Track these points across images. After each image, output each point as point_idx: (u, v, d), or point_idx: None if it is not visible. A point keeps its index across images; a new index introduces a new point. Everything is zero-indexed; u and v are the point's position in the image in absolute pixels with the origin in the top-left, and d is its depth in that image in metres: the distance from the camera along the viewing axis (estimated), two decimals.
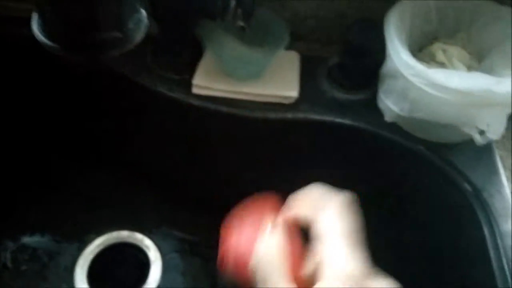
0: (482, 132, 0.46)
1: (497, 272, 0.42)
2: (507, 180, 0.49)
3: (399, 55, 0.46)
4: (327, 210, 0.32)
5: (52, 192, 0.71)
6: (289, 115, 0.54)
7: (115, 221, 0.70)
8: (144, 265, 0.67)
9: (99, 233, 0.69)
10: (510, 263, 0.43)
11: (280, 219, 0.35)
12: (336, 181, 0.61)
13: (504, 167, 0.50)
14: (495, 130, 0.46)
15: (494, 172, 0.49)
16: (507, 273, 0.42)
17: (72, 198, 0.71)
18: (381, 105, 0.53)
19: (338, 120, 0.53)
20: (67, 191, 0.71)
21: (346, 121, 0.53)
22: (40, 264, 0.66)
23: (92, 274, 0.65)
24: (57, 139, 0.70)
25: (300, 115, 0.54)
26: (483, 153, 0.50)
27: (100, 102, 0.64)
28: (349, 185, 0.60)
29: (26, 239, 0.67)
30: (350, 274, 0.29)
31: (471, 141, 0.50)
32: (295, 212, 0.35)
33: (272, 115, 0.54)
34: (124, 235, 0.69)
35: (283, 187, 0.68)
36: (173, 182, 0.70)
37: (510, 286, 0.42)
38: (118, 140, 0.68)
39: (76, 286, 0.64)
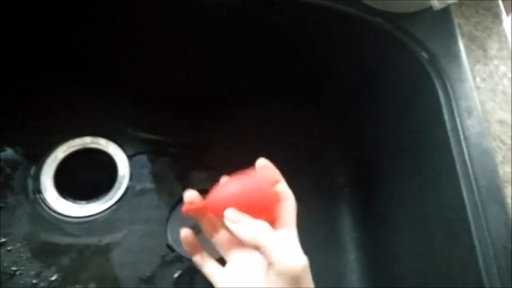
0: None
1: (450, 133, 0.44)
2: (464, 46, 0.49)
3: None
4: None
5: (7, 103, 0.67)
6: None
7: (76, 128, 0.68)
8: (111, 169, 0.67)
9: (60, 141, 0.67)
10: (463, 125, 0.44)
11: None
12: (295, 61, 0.60)
13: (462, 34, 0.50)
14: None
15: (452, 39, 0.49)
16: (460, 133, 0.44)
17: (29, 107, 0.67)
18: None
19: None
20: (22, 100, 0.67)
21: None
22: (4, 175, 0.64)
23: (59, 181, 0.65)
24: (7, 43, 0.65)
25: None
26: (441, 21, 0.50)
27: None
28: (307, 64, 0.60)
29: None
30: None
31: (429, 9, 0.49)
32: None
33: None
34: (87, 141, 0.68)
35: (245, 83, 0.68)
36: (133, 83, 0.68)
37: (463, 146, 0.43)
38: (73, 43, 0.63)
39: (44, 194, 0.63)
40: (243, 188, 0.36)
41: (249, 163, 0.73)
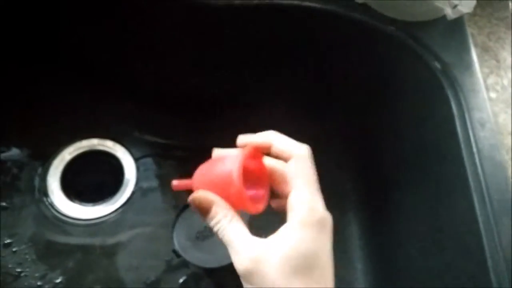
0: (454, 6, 0.45)
1: (463, 145, 0.43)
2: (478, 57, 0.48)
3: None
4: (296, 156, 0.32)
5: (16, 102, 0.67)
6: (255, 1, 0.50)
7: (84, 129, 0.68)
8: (117, 171, 0.67)
9: (67, 143, 0.67)
10: (476, 137, 0.44)
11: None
12: (308, 69, 0.60)
13: (475, 44, 0.49)
14: (467, 3, 0.45)
15: (465, 49, 0.48)
16: (473, 145, 0.43)
17: (36, 108, 0.67)
18: None
19: (306, 3, 0.50)
20: (31, 101, 0.67)
21: (314, 4, 0.50)
22: (11, 175, 0.64)
23: (65, 183, 0.65)
24: (14, 44, 0.65)
25: (266, 0, 0.50)
26: (454, 31, 0.49)
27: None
28: (319, 72, 0.59)
29: None
30: (314, 220, 0.30)
31: (442, 18, 0.49)
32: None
33: (237, 1, 0.50)
34: (94, 142, 0.68)
35: (254, 86, 0.67)
36: (141, 86, 0.67)
37: (476, 159, 0.43)
38: (81, 45, 0.63)
39: (50, 195, 0.63)
40: (215, 167, 0.32)
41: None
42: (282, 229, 0.30)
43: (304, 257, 0.28)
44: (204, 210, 0.31)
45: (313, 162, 0.32)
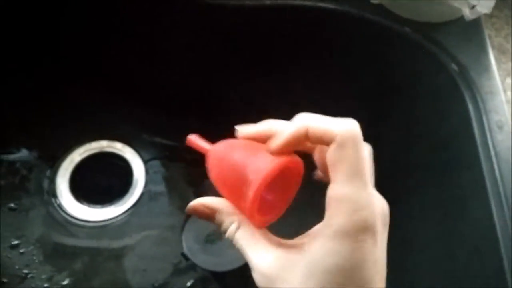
0: (472, 6, 0.44)
1: (480, 148, 0.42)
2: (495, 59, 0.47)
3: None
4: (337, 140, 0.24)
5: (26, 104, 0.67)
6: (267, 2, 0.50)
7: (93, 131, 0.67)
8: (126, 173, 0.66)
9: (77, 144, 0.67)
10: (493, 140, 0.43)
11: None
12: (323, 72, 0.59)
13: (492, 46, 0.48)
14: (485, 3, 0.44)
15: (482, 51, 0.47)
16: (491, 149, 0.42)
17: (47, 109, 0.67)
18: None
19: (321, 4, 0.49)
20: (41, 103, 0.67)
21: (329, 5, 0.49)
22: (19, 176, 0.64)
23: (74, 185, 0.64)
24: (26, 47, 0.65)
25: (279, 1, 0.50)
26: (472, 32, 0.48)
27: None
28: (335, 74, 0.59)
29: (1, 154, 0.65)
30: (354, 225, 0.23)
31: (459, 20, 0.48)
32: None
33: (249, 1, 0.50)
34: (103, 144, 0.67)
35: (266, 87, 0.67)
36: (150, 88, 0.67)
37: (493, 162, 0.42)
38: (91, 47, 0.63)
39: (59, 197, 0.63)
40: (236, 161, 0.26)
41: None
42: (312, 234, 0.25)
43: (331, 274, 0.23)
44: (207, 219, 0.27)
45: (361, 144, 0.24)
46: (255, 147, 0.26)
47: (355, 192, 0.23)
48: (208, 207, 0.26)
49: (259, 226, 0.26)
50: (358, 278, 0.23)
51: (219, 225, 0.26)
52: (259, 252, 0.25)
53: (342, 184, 0.23)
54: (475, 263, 0.41)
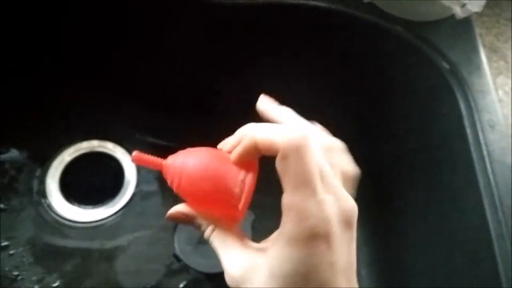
0: (462, 5, 0.44)
1: (473, 148, 0.42)
2: (486, 57, 0.47)
3: None
4: (281, 150, 0.25)
5: (15, 103, 0.65)
6: (261, 0, 0.49)
7: (84, 131, 0.66)
8: (118, 173, 0.66)
9: (67, 144, 0.66)
10: (486, 139, 0.43)
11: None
12: (316, 70, 0.59)
13: (483, 44, 0.48)
14: (476, 2, 0.44)
15: (473, 49, 0.47)
16: (483, 148, 0.42)
17: (37, 108, 0.66)
18: None
19: (313, 2, 0.49)
20: (30, 101, 0.66)
21: (321, 4, 0.49)
22: (8, 177, 0.63)
23: (65, 185, 0.64)
24: (14, 45, 0.64)
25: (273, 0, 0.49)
26: (462, 31, 0.48)
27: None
28: (328, 73, 0.58)
29: None
30: (303, 233, 0.24)
31: (449, 18, 0.48)
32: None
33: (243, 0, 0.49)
34: (94, 144, 0.66)
35: (262, 84, 0.66)
36: (143, 87, 0.66)
37: (486, 162, 0.42)
38: (82, 43, 0.62)
39: (49, 197, 0.62)
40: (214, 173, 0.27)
41: (259, 174, 0.72)
42: (271, 240, 0.26)
43: (290, 277, 0.24)
44: (187, 224, 0.29)
45: (308, 153, 0.24)
46: (216, 154, 0.28)
47: (302, 201, 0.24)
48: (185, 214, 0.28)
49: (239, 219, 0.28)
50: (315, 280, 0.24)
51: (198, 228, 0.28)
52: (230, 254, 0.26)
53: (290, 193, 0.24)
54: (469, 263, 0.41)
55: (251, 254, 0.26)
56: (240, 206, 0.26)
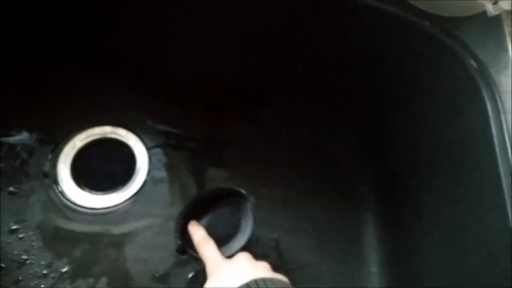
0: (495, 2, 0.42)
1: (498, 149, 0.41)
2: None
3: None
4: None
5: (27, 87, 0.65)
6: None
7: (97, 116, 0.66)
8: (129, 160, 0.65)
9: (79, 129, 0.65)
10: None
11: None
12: (336, 64, 0.58)
13: None
14: (508, 1, 0.42)
15: (502, 48, 0.46)
16: (509, 150, 0.41)
17: (50, 93, 0.65)
18: None
19: None
20: (43, 86, 0.65)
21: None
22: (20, 159, 0.63)
23: (76, 170, 0.63)
24: (27, 29, 0.63)
25: None
26: (492, 29, 0.47)
27: None
28: (349, 70, 0.57)
29: (1, 136, 0.63)
30: None
31: (479, 15, 0.46)
32: None
33: None
34: (107, 130, 0.66)
35: (269, 80, 0.65)
36: (156, 74, 0.66)
37: (510, 162, 0.41)
38: (95, 29, 0.61)
39: (60, 182, 0.62)
40: None
41: (268, 164, 0.71)
42: None
43: None
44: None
45: None
46: None
47: None
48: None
49: None
50: None
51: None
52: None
53: None
54: (488, 267, 0.40)
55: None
56: None
